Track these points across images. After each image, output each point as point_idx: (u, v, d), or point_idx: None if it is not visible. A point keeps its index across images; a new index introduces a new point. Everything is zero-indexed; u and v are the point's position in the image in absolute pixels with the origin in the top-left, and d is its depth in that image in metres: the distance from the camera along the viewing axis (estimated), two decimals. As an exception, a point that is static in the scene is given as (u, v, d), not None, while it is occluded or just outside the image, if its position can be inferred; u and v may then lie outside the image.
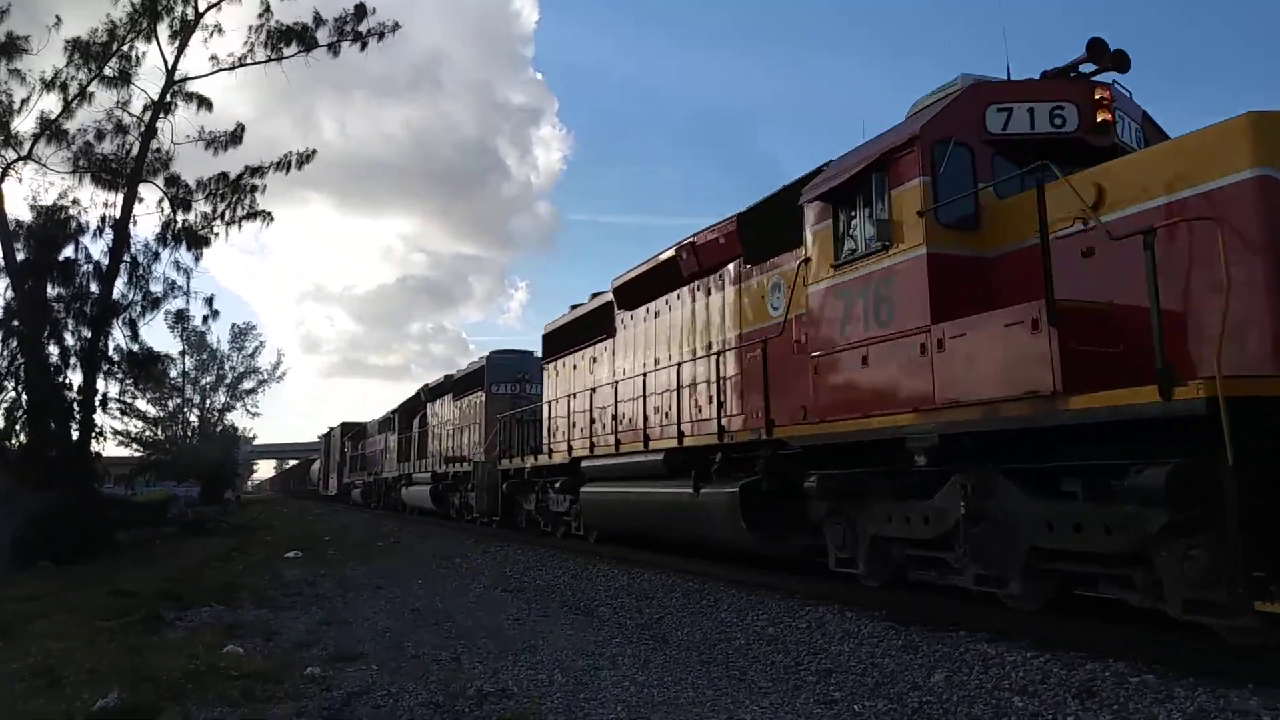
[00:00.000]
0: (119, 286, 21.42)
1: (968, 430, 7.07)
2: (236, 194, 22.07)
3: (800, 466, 9.14)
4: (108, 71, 20.85)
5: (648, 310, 14.28)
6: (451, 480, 26.67)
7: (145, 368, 22.83)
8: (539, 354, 22.26)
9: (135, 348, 21.89)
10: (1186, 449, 5.48)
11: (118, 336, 21.56)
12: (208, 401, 57.83)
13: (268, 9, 21.72)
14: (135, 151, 21.23)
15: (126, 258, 21.47)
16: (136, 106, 21.32)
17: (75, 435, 20.44)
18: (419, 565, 14.58)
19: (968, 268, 7.83)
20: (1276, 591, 4.89)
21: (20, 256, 20.62)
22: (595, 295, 16.92)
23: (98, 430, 21.68)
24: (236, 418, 61.90)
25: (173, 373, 40.93)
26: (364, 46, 22.36)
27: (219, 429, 57.74)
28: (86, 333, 20.82)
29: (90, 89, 20.77)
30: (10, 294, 20.66)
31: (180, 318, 24.26)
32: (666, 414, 12.88)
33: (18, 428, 20.58)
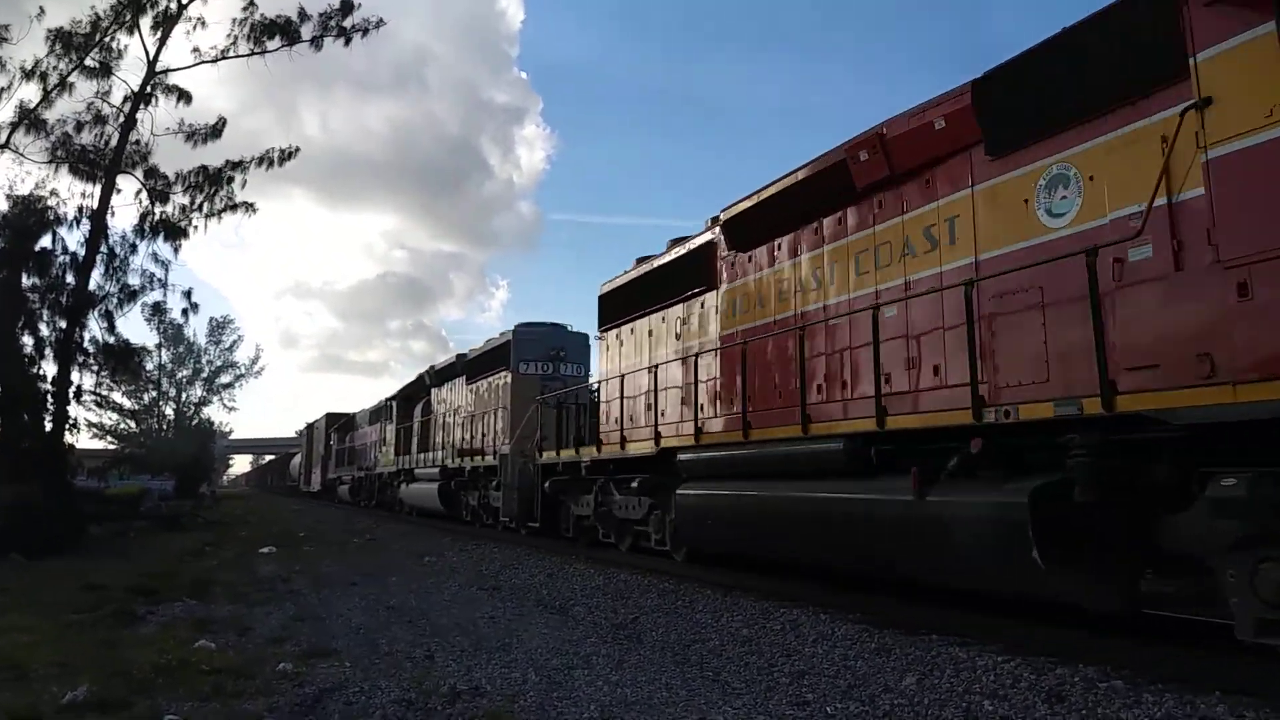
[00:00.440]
0: (95, 278, 21.20)
1: None
2: (216, 186, 21.92)
3: (1160, 459, 5.95)
4: (89, 62, 20.69)
5: (789, 243, 10.49)
6: (468, 477, 23.00)
7: (121, 360, 22.61)
8: (575, 327, 20.16)
9: (112, 340, 21.70)
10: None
11: (94, 328, 21.38)
12: (184, 395, 57.28)
13: (251, 2, 21.61)
14: (114, 142, 21.06)
15: (103, 249, 21.26)
16: (116, 97, 21.15)
17: (49, 427, 20.21)
18: (395, 563, 14.52)
19: None
20: None
21: (-5, 246, 20.40)
22: (678, 241, 13.55)
23: (72, 422, 21.45)
24: (213, 412, 61.28)
25: (149, 366, 40.66)
26: (348, 42, 22.25)
27: (195, 423, 57.21)
28: (62, 324, 20.62)
29: (70, 79, 20.61)
30: (-15, 283, 20.42)
31: (158, 310, 24.06)
32: (846, 383, 9.18)
33: (-10, 419, 20.35)
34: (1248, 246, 5.21)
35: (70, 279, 20.87)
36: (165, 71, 21.56)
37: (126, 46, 21.09)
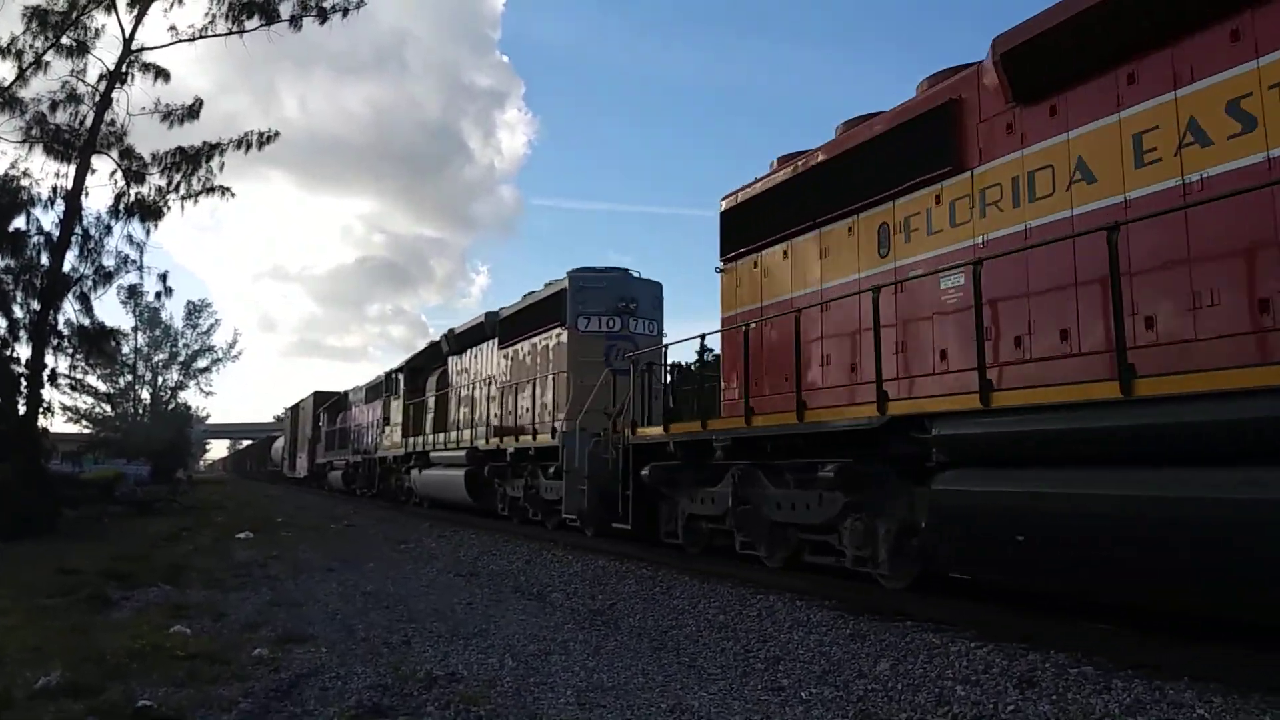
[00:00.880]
0: (70, 259, 21.02)
1: None
2: (193, 167, 21.71)
3: None
4: (65, 41, 20.42)
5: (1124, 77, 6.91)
6: (509, 462, 18.22)
7: (96, 343, 22.41)
8: (645, 275, 16.01)
9: (87, 322, 21.51)
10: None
11: (68, 310, 21.18)
12: (160, 379, 56.96)
13: (231, -21, 21.35)
14: (89, 122, 20.82)
15: (78, 230, 21.06)
16: (92, 76, 20.90)
17: (22, 411, 20.04)
18: (373, 549, 14.48)
19: None
20: None
21: (-34, 226, 20.16)
22: (855, 122, 9.99)
23: (46, 406, 21.30)
24: (190, 396, 61.05)
25: (125, 349, 40.35)
26: (324, 21, 22.03)
27: (171, 407, 56.90)
28: (36, 305, 20.41)
29: (46, 58, 20.35)
30: (-44, 265, 20.19)
31: (133, 293, 23.80)
32: None
33: (-38, 402, 20.15)
34: None
35: (44, 260, 20.67)
36: (141, 50, 21.34)
37: (104, 25, 20.85)
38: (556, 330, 17.03)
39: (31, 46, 20.19)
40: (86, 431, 45.53)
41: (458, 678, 5.79)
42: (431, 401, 25.03)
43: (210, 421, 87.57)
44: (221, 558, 12.90)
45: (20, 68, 20.14)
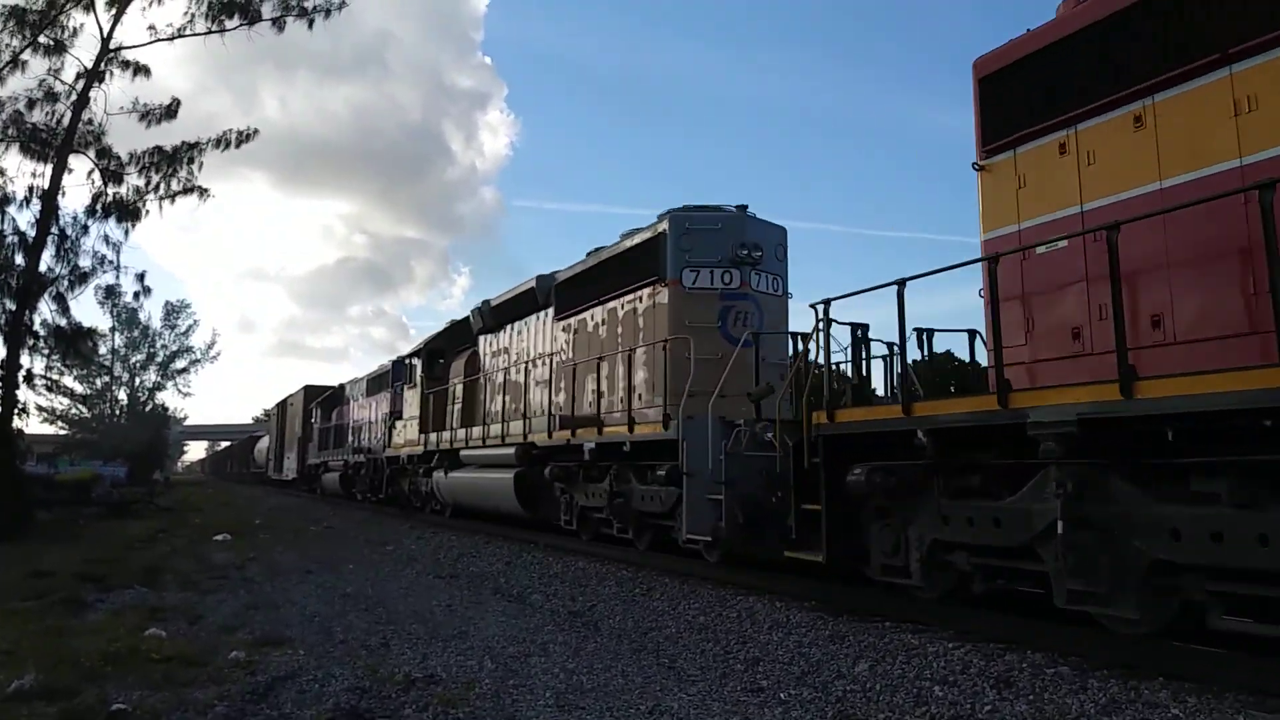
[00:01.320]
0: (46, 259, 20.81)
1: None
2: (172, 167, 21.56)
3: None
4: (42, 40, 20.24)
5: None
6: (583, 462, 13.72)
7: (73, 343, 22.22)
8: (761, 214, 12.56)
9: (64, 322, 21.30)
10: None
11: (44, 311, 20.99)
12: (137, 380, 56.46)
13: (210, -22, 21.21)
14: (66, 121, 20.63)
15: (54, 230, 20.86)
16: (69, 75, 20.73)
17: (-3, 411, 19.83)
18: (352, 551, 14.40)
19: None
20: None
21: (-59, 225, 19.94)
22: None
23: (21, 407, 21.07)
24: (167, 397, 60.46)
25: (102, 349, 40.01)
26: (310, 24, 21.95)
27: (149, 408, 56.41)
28: (11, 305, 20.20)
29: (23, 56, 20.16)
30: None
31: (111, 293, 23.61)
32: None
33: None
34: None
35: (20, 260, 20.46)
36: (120, 49, 21.17)
37: (82, 25, 20.69)
38: (650, 288, 12.97)
39: (8, 45, 20.04)
40: (62, 433, 45.16)
41: (436, 680, 5.77)
42: (458, 390, 20.67)
43: (188, 423, 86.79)
44: (198, 560, 12.79)
45: (-3, 67, 19.96)
